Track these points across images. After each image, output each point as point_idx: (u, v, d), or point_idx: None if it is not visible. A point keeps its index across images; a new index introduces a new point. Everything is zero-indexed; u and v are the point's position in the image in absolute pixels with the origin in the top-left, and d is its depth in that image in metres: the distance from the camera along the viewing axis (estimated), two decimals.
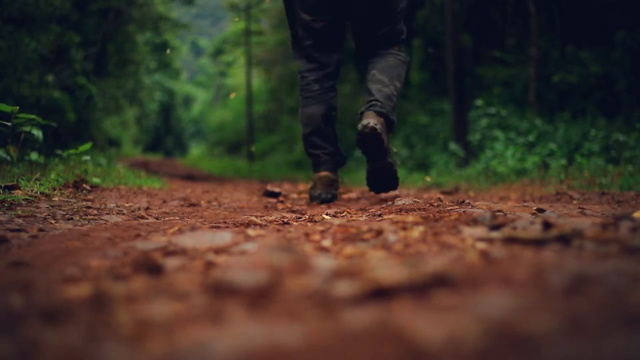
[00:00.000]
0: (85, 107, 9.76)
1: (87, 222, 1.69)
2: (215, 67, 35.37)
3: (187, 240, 1.09)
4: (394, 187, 2.79)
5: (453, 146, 7.23)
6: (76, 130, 9.08)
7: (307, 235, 1.18)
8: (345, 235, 1.11)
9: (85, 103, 9.66)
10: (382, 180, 2.74)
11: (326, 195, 2.74)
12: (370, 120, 2.49)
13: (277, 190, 3.37)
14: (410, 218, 1.27)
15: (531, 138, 6.35)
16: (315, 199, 2.75)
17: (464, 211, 1.50)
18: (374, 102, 2.61)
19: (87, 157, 3.41)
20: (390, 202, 2.25)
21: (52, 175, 2.82)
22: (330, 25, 2.82)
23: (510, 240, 0.94)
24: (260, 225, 1.50)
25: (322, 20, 2.80)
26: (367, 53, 2.90)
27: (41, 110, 6.40)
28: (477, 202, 1.99)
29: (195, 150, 33.36)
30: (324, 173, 2.81)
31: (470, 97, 8.99)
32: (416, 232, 1.09)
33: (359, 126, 2.52)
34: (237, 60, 23.79)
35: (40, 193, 2.28)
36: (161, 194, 3.24)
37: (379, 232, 1.09)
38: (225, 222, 1.64)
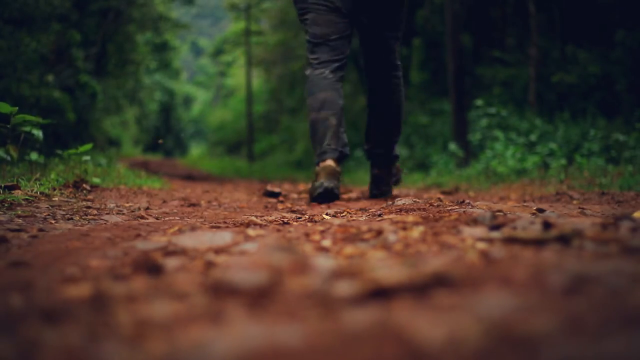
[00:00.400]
0: (88, 106, 9.76)
1: (87, 222, 1.69)
2: (215, 67, 35.38)
3: (187, 240, 1.09)
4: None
5: (453, 146, 7.22)
6: (76, 130, 9.08)
7: (307, 235, 1.18)
8: (345, 235, 1.11)
9: (88, 102, 9.66)
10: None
11: (329, 184, 2.67)
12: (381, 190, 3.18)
13: (277, 190, 3.37)
14: (410, 218, 1.27)
15: (532, 138, 6.35)
16: (318, 189, 2.68)
17: (464, 211, 1.50)
18: (382, 158, 3.19)
19: (87, 157, 3.41)
20: (390, 202, 2.25)
21: (52, 175, 2.81)
22: (348, 24, 2.95)
23: (510, 240, 0.94)
24: (260, 225, 1.50)
25: (343, 17, 2.93)
26: (373, 59, 3.11)
27: (41, 110, 6.40)
28: (477, 202, 1.99)
29: (195, 150, 33.36)
30: (328, 162, 2.80)
31: (470, 97, 8.99)
32: (416, 232, 1.09)
33: (371, 191, 3.22)
34: (237, 60, 23.80)
35: (40, 193, 2.27)
36: (161, 194, 3.23)
37: (379, 232, 1.09)
38: (225, 222, 1.64)
